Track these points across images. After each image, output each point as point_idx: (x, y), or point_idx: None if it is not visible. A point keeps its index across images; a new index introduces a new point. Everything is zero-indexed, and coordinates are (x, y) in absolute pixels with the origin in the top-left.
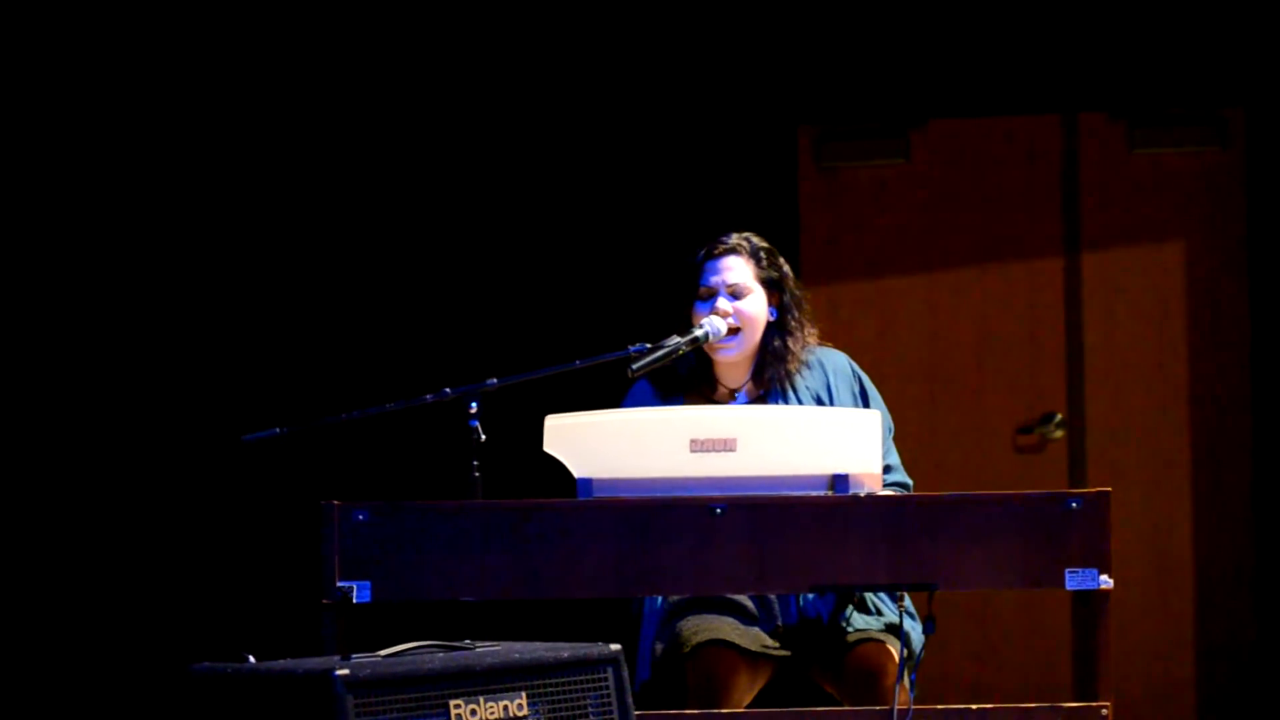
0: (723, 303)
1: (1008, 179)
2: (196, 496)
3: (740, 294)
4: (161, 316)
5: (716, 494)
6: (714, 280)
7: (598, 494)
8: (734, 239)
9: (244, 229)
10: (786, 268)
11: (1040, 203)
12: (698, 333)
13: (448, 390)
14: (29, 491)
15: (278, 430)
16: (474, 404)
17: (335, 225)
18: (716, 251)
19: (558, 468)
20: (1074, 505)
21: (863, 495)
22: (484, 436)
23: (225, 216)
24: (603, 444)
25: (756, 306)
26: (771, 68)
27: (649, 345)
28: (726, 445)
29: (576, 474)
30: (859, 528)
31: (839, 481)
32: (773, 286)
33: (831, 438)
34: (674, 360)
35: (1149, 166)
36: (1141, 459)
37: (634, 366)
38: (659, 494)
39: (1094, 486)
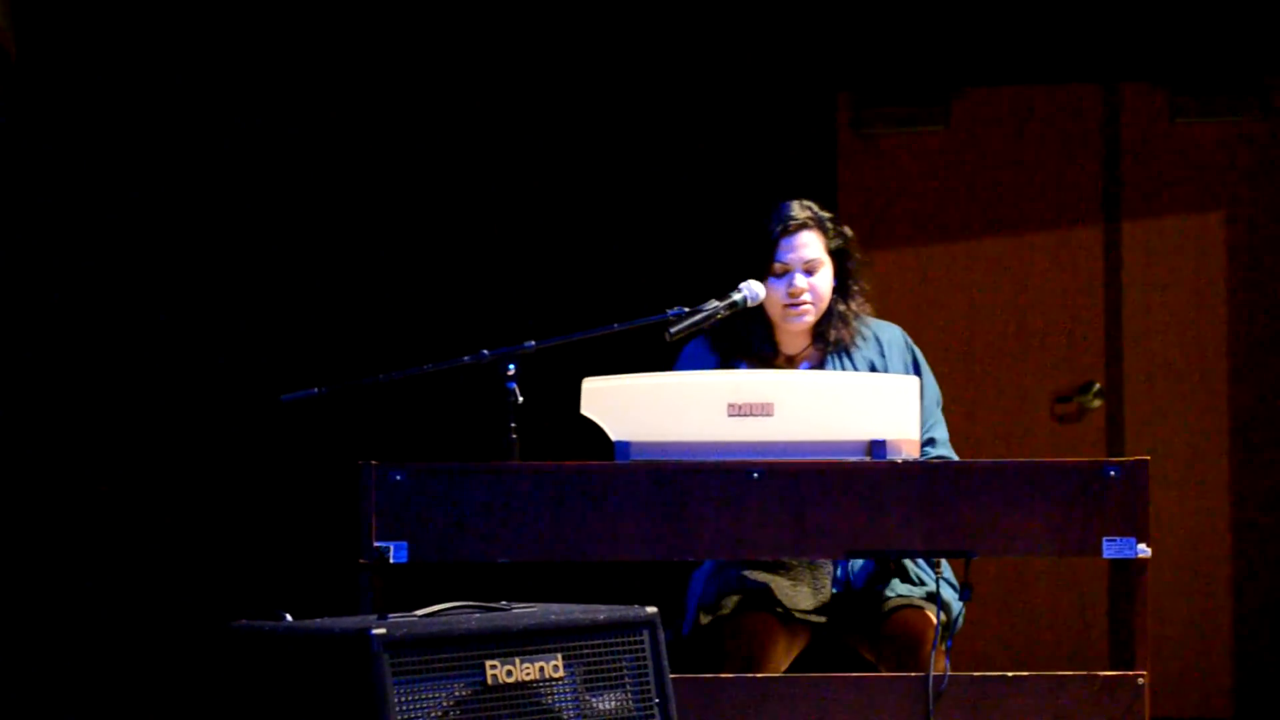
0: (800, 280)
1: (1048, 147)
2: (236, 456)
3: (814, 269)
4: (203, 277)
5: (753, 458)
6: (790, 258)
7: (635, 457)
8: (800, 212)
9: (286, 191)
10: (849, 232)
11: (1080, 171)
12: (735, 297)
13: (485, 352)
14: (72, 452)
15: (316, 391)
16: (511, 366)
17: (376, 187)
18: (791, 228)
19: (595, 431)
20: (1112, 473)
21: (900, 461)
22: (521, 399)
23: (268, 179)
24: (640, 407)
25: (827, 279)
26: (812, 35)
27: (687, 309)
28: (764, 410)
29: (614, 437)
30: (896, 494)
31: (876, 447)
32: (837, 255)
33: (869, 403)
34: (737, 323)
35: (1190, 135)
36: (1180, 428)
37: (672, 330)
38: (696, 458)
39: (1132, 455)
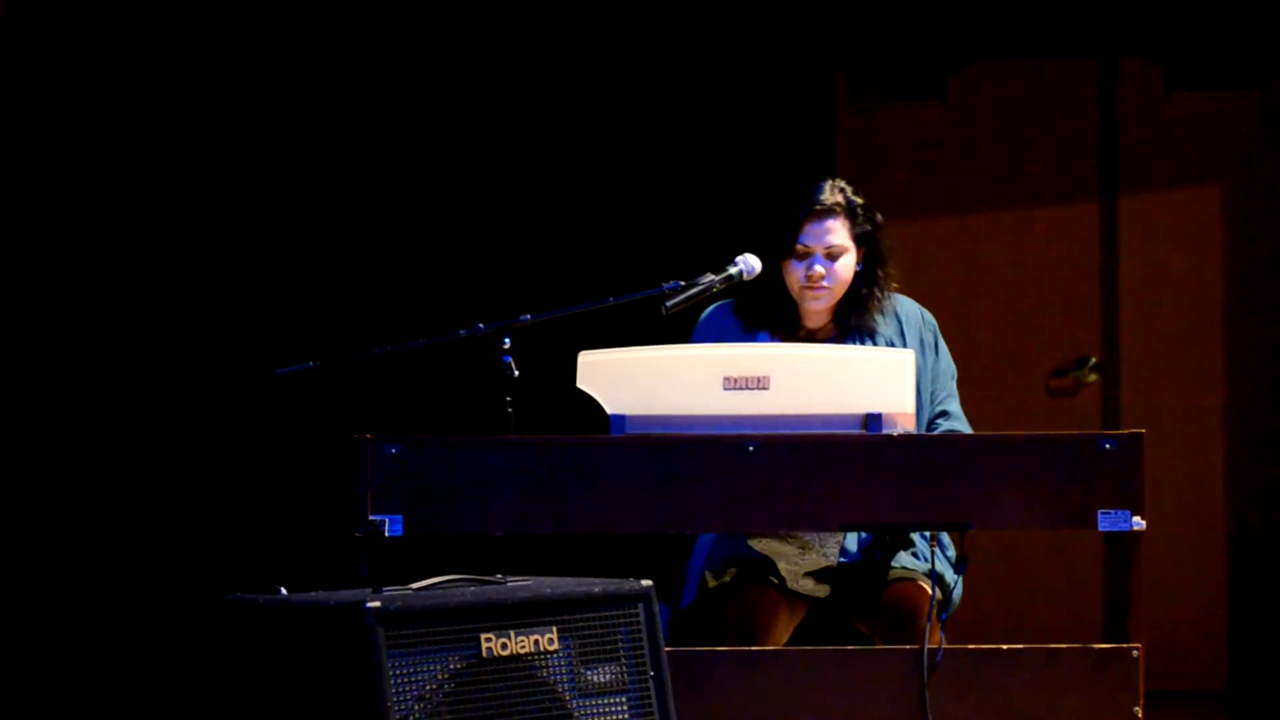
0: (819, 266)
1: (1045, 122)
2: (231, 430)
3: (836, 256)
4: (198, 250)
5: (749, 432)
6: (812, 243)
7: (630, 431)
8: (830, 196)
9: (280, 164)
10: (879, 218)
11: (1077, 146)
12: (732, 270)
13: (481, 326)
14: (67, 426)
15: (311, 364)
16: (507, 340)
17: (370, 161)
18: (817, 212)
19: (591, 404)
20: (1107, 446)
21: (896, 434)
22: (517, 372)
23: (261, 152)
24: (636, 381)
25: (849, 265)
26: (810, 10)
27: (683, 283)
28: (759, 383)
29: (610, 410)
30: (891, 467)
31: (872, 421)
32: (864, 240)
33: (865, 377)
34: (762, 293)
35: (1186, 110)
36: (1175, 402)
37: (668, 304)
38: (691, 431)
39: (1127, 429)
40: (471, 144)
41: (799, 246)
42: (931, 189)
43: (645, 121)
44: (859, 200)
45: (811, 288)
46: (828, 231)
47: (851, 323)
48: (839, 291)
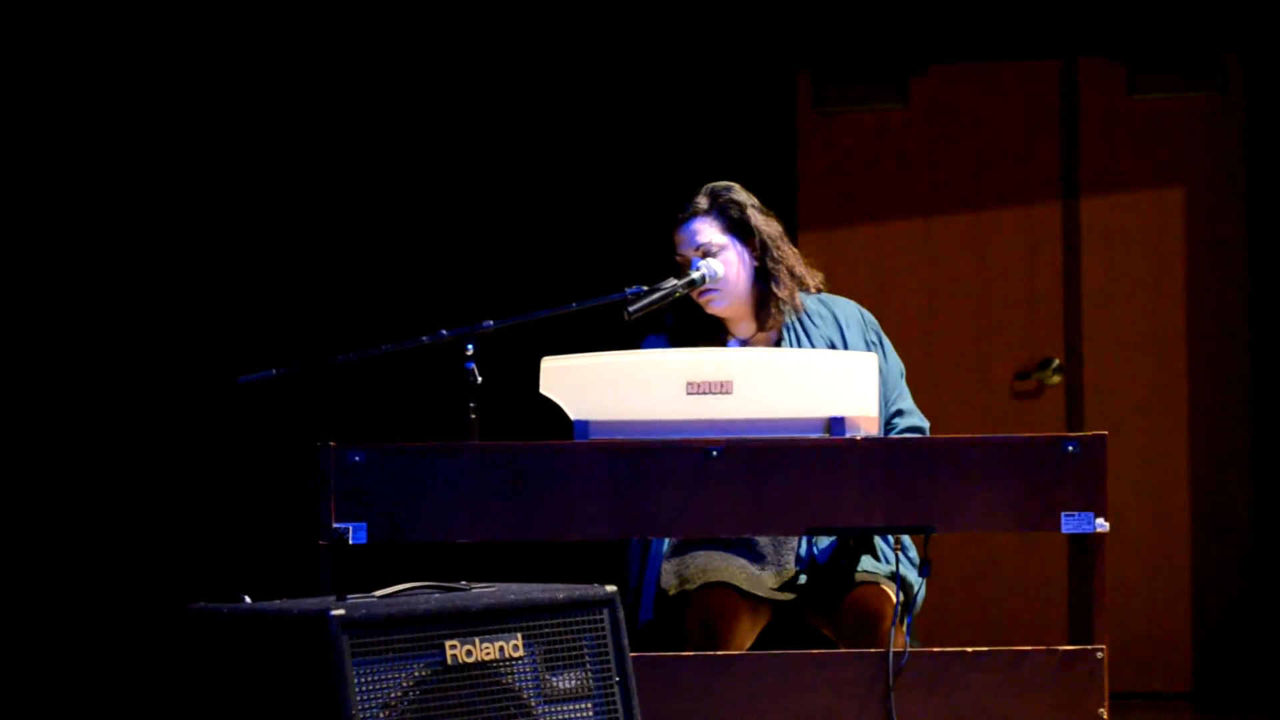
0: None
1: (1007, 124)
2: (193, 438)
3: (711, 253)
4: (158, 258)
5: (713, 436)
6: (685, 250)
7: (594, 436)
8: (695, 202)
9: (243, 171)
10: (751, 210)
11: (1039, 147)
12: (694, 275)
13: (444, 332)
14: (28, 435)
15: (273, 372)
16: (470, 346)
17: (332, 168)
18: (680, 220)
19: (554, 410)
20: (1071, 449)
21: (859, 438)
22: (480, 378)
23: (223, 160)
24: (599, 386)
25: (731, 260)
26: (772, 12)
27: (645, 288)
28: (723, 388)
29: (573, 416)
30: (855, 470)
31: (835, 424)
32: (744, 232)
33: (828, 380)
34: (691, 314)
35: (1148, 111)
36: (1139, 404)
37: (630, 309)
38: (655, 436)
39: (1091, 431)
40: (433, 149)
41: (678, 258)
42: (893, 191)
43: (607, 125)
44: (730, 198)
45: (701, 291)
46: (694, 234)
47: (770, 319)
48: (733, 289)
